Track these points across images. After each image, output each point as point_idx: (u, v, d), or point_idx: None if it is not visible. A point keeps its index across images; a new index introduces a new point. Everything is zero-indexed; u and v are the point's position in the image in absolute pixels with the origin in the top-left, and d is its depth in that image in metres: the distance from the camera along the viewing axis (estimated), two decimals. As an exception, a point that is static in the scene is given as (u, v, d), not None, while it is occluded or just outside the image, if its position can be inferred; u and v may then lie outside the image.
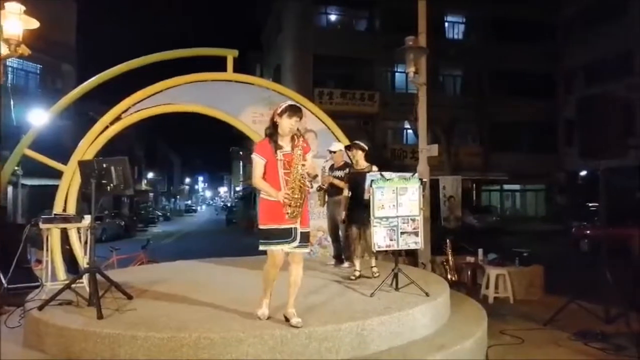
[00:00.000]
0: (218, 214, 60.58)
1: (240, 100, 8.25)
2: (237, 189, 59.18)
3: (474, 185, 26.71)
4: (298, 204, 3.51)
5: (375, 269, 5.59)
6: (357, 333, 3.70)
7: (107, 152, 4.95)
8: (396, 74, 25.22)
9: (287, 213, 3.51)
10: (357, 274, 5.50)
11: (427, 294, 4.53)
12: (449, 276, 7.59)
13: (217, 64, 8.30)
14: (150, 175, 47.39)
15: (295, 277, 3.76)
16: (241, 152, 47.82)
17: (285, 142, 3.64)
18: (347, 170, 6.00)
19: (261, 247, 3.64)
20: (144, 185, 44.36)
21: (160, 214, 44.70)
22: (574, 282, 6.18)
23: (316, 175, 3.87)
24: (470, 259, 7.91)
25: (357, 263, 5.63)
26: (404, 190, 5.06)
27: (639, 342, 4.55)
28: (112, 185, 4.42)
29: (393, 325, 3.90)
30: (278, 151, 3.60)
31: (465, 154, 25.67)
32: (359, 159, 5.76)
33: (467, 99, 26.01)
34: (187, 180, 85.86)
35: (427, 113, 8.61)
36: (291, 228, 3.58)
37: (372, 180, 5.05)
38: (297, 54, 24.14)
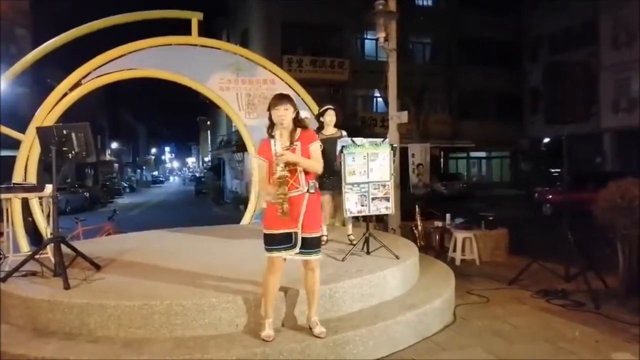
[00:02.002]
0: (186, 184, 59.75)
1: (206, 66, 8.02)
2: (206, 159, 58.35)
3: (442, 152, 27.15)
4: (279, 199, 3.16)
5: (352, 237, 5.57)
6: (329, 295, 3.75)
7: (67, 121, 4.70)
8: (366, 41, 24.98)
9: (279, 213, 3.18)
10: (325, 239, 5.50)
11: (397, 257, 4.62)
12: (418, 241, 7.75)
13: (183, 29, 8.00)
14: (114, 145, 45.98)
15: (310, 285, 3.41)
16: (209, 122, 47.01)
17: (284, 137, 3.31)
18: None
19: (266, 254, 3.33)
20: (108, 156, 43.09)
21: (126, 185, 43.62)
22: (537, 244, 6.43)
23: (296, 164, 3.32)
24: (438, 223, 8.10)
25: (324, 229, 5.62)
26: (374, 156, 5.07)
27: (596, 298, 4.81)
28: (73, 152, 4.25)
29: (364, 287, 3.97)
30: (273, 148, 3.27)
31: (434, 122, 25.94)
32: (330, 124, 5.62)
33: (436, 68, 26.10)
34: (154, 150, 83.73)
35: (397, 81, 8.58)
36: (291, 233, 3.24)
37: (343, 147, 5.02)
38: (264, 20, 23.51)
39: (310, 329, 3.41)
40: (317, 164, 3.33)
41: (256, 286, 3.73)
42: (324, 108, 5.69)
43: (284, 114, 3.25)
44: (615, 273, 5.24)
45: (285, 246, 3.25)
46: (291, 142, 3.29)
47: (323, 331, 3.36)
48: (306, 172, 3.30)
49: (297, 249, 3.26)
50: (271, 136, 3.30)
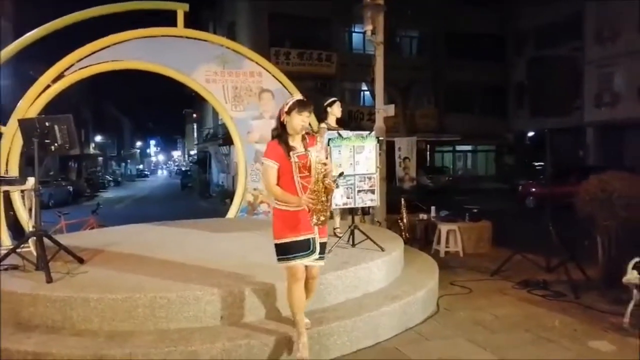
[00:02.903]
0: (172, 178, 59.28)
1: (193, 58, 7.95)
2: (192, 152, 57.90)
3: (428, 146, 27.33)
4: (325, 207, 3.05)
5: (338, 230, 5.57)
6: (314, 287, 3.76)
7: (50, 114, 4.62)
8: (354, 34, 24.94)
9: (317, 220, 3.05)
10: None
11: (382, 249, 4.66)
12: (403, 233, 7.81)
13: (168, 21, 7.91)
14: (98, 138, 45.39)
15: (310, 288, 3.36)
16: (195, 115, 46.61)
17: (297, 143, 3.16)
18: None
19: (280, 264, 3.19)
20: (92, 149, 42.53)
21: (110, 178, 43.13)
22: (520, 236, 6.52)
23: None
24: (423, 216, 8.18)
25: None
26: (360, 148, 5.10)
27: (576, 289, 4.92)
28: (56, 144, 4.19)
29: (349, 279, 4.01)
30: (291, 153, 3.11)
31: (421, 116, 26.09)
32: (336, 115, 5.57)
33: (423, 61, 26.20)
34: (139, 144, 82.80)
35: (384, 74, 8.60)
36: (309, 239, 3.12)
37: (329, 139, 5.04)
38: (251, 12, 23.33)
39: None
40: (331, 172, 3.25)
41: (240, 279, 3.74)
42: (333, 99, 5.65)
43: (308, 121, 3.14)
44: (595, 264, 5.35)
45: (305, 253, 3.11)
46: (305, 148, 3.16)
47: (307, 322, 3.35)
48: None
49: (316, 254, 3.15)
50: (282, 140, 3.14)
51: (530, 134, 25.55)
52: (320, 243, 3.18)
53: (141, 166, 78.89)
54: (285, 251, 3.13)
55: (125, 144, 67.67)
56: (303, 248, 3.11)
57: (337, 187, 3.24)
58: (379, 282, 4.30)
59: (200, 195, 27.96)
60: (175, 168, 75.61)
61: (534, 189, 15.24)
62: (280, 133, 3.18)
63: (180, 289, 3.53)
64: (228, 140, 19.21)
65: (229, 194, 18.05)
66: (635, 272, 4.11)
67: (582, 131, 22.44)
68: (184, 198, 27.63)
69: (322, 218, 3.05)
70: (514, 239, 6.64)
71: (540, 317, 4.32)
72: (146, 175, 69.82)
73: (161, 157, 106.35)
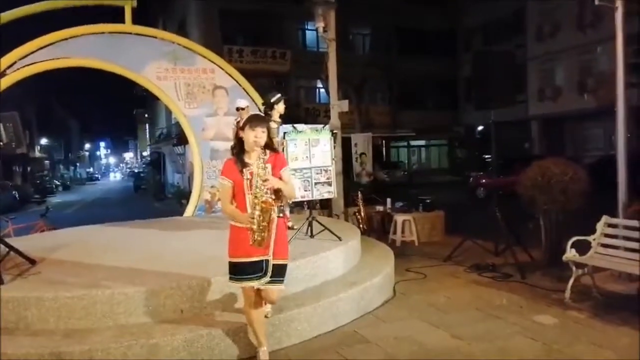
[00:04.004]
0: (125, 180, 57.44)
1: (142, 55, 7.82)
2: (145, 153, 56.33)
3: (384, 142, 27.86)
4: (261, 227, 2.92)
5: (290, 223, 5.62)
6: (274, 278, 3.83)
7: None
8: (307, 31, 25.02)
9: (253, 240, 2.94)
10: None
11: (339, 239, 4.78)
12: (360, 225, 7.99)
13: (117, 20, 7.73)
14: (44, 141, 43.32)
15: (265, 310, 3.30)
16: (146, 115, 45.35)
17: (253, 159, 3.05)
18: None
19: (230, 283, 3.12)
20: (37, 152, 40.56)
21: (58, 183, 41.31)
22: (470, 224, 6.84)
23: (279, 191, 3.08)
24: (379, 208, 8.40)
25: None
26: (316, 142, 5.20)
27: (522, 269, 5.23)
28: (1, 143, 4.05)
29: (308, 268, 4.11)
30: (245, 170, 3.01)
31: (375, 113, 26.55)
32: (280, 112, 5.60)
33: (375, 58, 26.62)
34: (88, 146, 79.66)
35: (337, 71, 8.73)
36: (262, 261, 2.99)
37: (284, 133, 5.11)
38: (202, 8, 22.95)
39: None
40: (294, 191, 3.20)
41: (199, 273, 3.75)
42: (279, 96, 5.64)
43: (262, 137, 3.02)
44: (539, 246, 5.70)
45: (255, 275, 2.98)
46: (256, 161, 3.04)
47: (269, 311, 3.40)
48: (277, 197, 3.08)
49: (267, 278, 3.00)
50: (238, 157, 3.07)
51: (480, 127, 26.57)
52: (275, 265, 3.01)
53: (91, 169, 75.98)
54: (235, 271, 3.03)
55: (73, 146, 64.88)
56: (254, 270, 2.98)
57: (284, 209, 3.11)
58: (337, 270, 4.42)
59: (155, 197, 27.25)
60: (128, 170, 73.29)
61: (483, 180, 15.87)
62: (238, 150, 3.10)
63: (139, 284, 3.52)
64: (182, 140, 18.87)
65: (185, 195, 17.72)
66: (573, 251, 4.43)
67: (527, 124, 23.53)
68: (138, 200, 26.87)
69: (255, 236, 2.92)
70: (465, 227, 6.95)
71: (489, 297, 4.58)
72: (97, 179, 67.29)
73: (112, 160, 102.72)
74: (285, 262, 3.10)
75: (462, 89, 28.19)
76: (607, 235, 4.55)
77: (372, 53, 27.39)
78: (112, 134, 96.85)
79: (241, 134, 3.07)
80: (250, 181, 3.00)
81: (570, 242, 4.46)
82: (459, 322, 3.92)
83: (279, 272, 3.05)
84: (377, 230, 8.14)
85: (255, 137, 3.00)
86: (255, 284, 3.01)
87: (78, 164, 66.98)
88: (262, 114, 3.22)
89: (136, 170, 51.13)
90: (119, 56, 7.55)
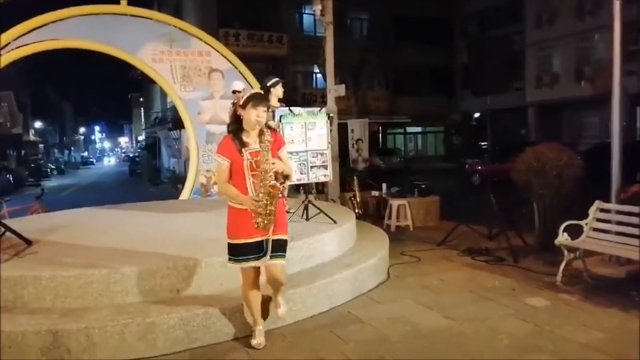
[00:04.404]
0: (120, 165, 57.20)
1: (138, 37, 7.76)
2: (140, 138, 56.08)
3: (380, 128, 27.85)
4: (268, 211, 2.88)
5: (287, 206, 5.64)
6: (270, 259, 3.87)
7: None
8: (304, 15, 24.82)
9: (257, 223, 2.90)
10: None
11: (334, 222, 4.81)
12: (356, 210, 8.03)
13: (112, 1, 7.65)
14: (38, 124, 42.99)
15: (276, 291, 3.20)
16: (142, 99, 44.99)
17: (252, 139, 2.99)
18: None
19: (229, 265, 3.09)
20: (32, 136, 40.30)
21: (53, 166, 41.11)
22: (465, 209, 6.90)
23: (287, 176, 3.09)
24: (375, 193, 8.44)
25: None
26: (312, 125, 5.21)
27: (515, 253, 5.29)
28: (-4, 122, 4.02)
29: (304, 250, 4.14)
30: (244, 149, 2.95)
31: (372, 99, 26.50)
32: (278, 96, 5.57)
33: (373, 43, 26.48)
34: (82, 130, 79.15)
35: (335, 56, 8.70)
36: (262, 241, 2.97)
37: (281, 116, 5.10)
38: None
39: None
40: (292, 171, 3.12)
41: (196, 253, 3.78)
42: (277, 80, 5.60)
43: (264, 116, 2.96)
44: (532, 231, 5.76)
45: (256, 256, 2.98)
46: (261, 144, 2.97)
47: (261, 342, 3.20)
48: (284, 179, 3.06)
49: (268, 257, 3.00)
50: (236, 135, 3.00)
51: (476, 114, 26.57)
52: (276, 240, 3.01)
53: (86, 153, 75.58)
54: (235, 252, 3.01)
55: (67, 130, 64.49)
56: (255, 250, 2.97)
57: (283, 190, 3.04)
58: (333, 252, 4.46)
59: (150, 182, 27.18)
60: (123, 155, 72.97)
61: (479, 167, 15.93)
62: (235, 128, 3.03)
63: (135, 264, 3.54)
64: (178, 124, 18.77)
65: (181, 179, 17.70)
66: (565, 235, 4.49)
67: (524, 111, 23.54)
68: (133, 185, 26.80)
69: (261, 220, 2.89)
70: (460, 213, 6.99)
71: (482, 280, 4.64)
72: (91, 163, 66.96)
73: (107, 144, 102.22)
74: (285, 238, 3.08)
75: (458, 75, 28.09)
76: (599, 220, 4.60)
77: (370, 38, 27.24)
78: (107, 118, 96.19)
79: (241, 112, 2.99)
80: (251, 162, 2.94)
81: (562, 227, 4.51)
82: (451, 304, 3.97)
83: (280, 248, 3.04)
84: (372, 215, 8.19)
85: (257, 116, 2.94)
86: (256, 263, 3.01)
87: (72, 148, 66.63)
88: (264, 94, 3.16)
89: (131, 155, 50.94)
90: (114, 38, 7.48)
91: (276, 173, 2.95)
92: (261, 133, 2.99)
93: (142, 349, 3.11)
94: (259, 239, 2.97)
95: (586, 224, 4.59)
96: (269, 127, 3.04)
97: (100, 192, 22.05)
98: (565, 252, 4.47)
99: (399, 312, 3.82)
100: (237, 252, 3.01)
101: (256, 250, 2.98)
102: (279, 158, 3.04)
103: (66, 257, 3.85)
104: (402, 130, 30.15)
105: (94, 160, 72.54)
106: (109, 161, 75.61)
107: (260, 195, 2.88)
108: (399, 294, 4.26)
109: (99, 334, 3.04)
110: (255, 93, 3.10)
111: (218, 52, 8.32)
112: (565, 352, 3.06)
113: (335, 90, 8.77)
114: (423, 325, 3.56)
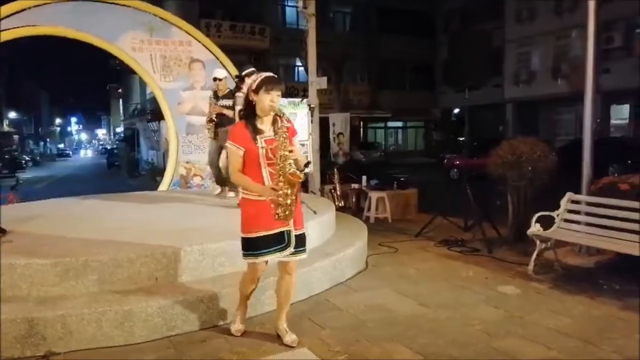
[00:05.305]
0: (97, 157, 56.23)
1: (117, 25, 7.65)
2: (118, 129, 55.17)
3: (361, 122, 27.96)
4: (289, 200, 2.74)
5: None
6: (249, 248, 3.89)
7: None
8: (287, 8, 24.71)
9: (278, 214, 2.76)
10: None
11: (314, 212, 4.84)
12: (336, 202, 8.10)
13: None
14: (12, 114, 41.96)
15: (287, 288, 3.08)
16: (120, 89, 44.23)
17: (266, 125, 2.85)
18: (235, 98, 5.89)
19: (247, 260, 2.94)
20: (6, 127, 39.33)
21: (28, 158, 40.20)
22: (443, 203, 7.03)
23: (308, 163, 2.98)
24: (355, 185, 8.52)
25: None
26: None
27: (489, 244, 5.43)
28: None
29: (283, 239, 4.16)
30: (258, 137, 2.80)
31: (354, 93, 26.59)
32: None
33: (356, 37, 26.53)
34: (58, 121, 77.51)
35: (317, 49, 8.70)
36: (284, 232, 2.84)
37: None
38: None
39: (278, 336, 3.13)
40: (303, 160, 2.95)
41: (174, 242, 3.78)
42: (252, 69, 5.55)
43: (278, 101, 2.83)
44: (506, 222, 5.91)
45: (278, 247, 2.85)
46: (275, 132, 2.82)
47: (294, 339, 3.08)
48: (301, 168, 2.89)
49: (291, 248, 2.87)
50: (250, 122, 2.84)
51: (456, 110, 26.89)
52: (300, 235, 2.92)
53: (62, 145, 74.10)
54: (254, 247, 2.85)
55: (43, 121, 63.05)
56: (276, 242, 2.84)
57: (304, 178, 2.88)
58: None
59: (129, 174, 26.82)
60: (100, 147, 71.70)
61: (457, 162, 16.15)
62: (248, 114, 2.87)
63: (113, 252, 3.53)
64: (157, 116, 18.55)
65: (160, 172, 17.51)
66: (538, 225, 4.62)
67: (502, 107, 23.92)
68: (111, 177, 26.41)
69: (282, 211, 2.75)
70: (437, 206, 7.10)
71: (457, 269, 4.75)
72: (68, 155, 65.66)
73: (84, 136, 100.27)
74: (304, 232, 2.98)
75: (440, 71, 28.34)
76: (570, 211, 4.76)
77: (353, 32, 27.29)
78: (84, 109, 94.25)
79: (253, 96, 2.84)
80: (266, 150, 2.79)
81: (535, 217, 4.65)
82: (427, 292, 4.07)
83: (301, 242, 2.94)
84: (352, 207, 8.27)
85: (271, 101, 2.79)
86: (277, 256, 2.88)
87: (48, 140, 65.24)
88: (277, 78, 2.93)
89: (109, 147, 50.10)
90: (93, 26, 7.37)
91: (296, 161, 2.79)
92: (275, 120, 2.85)
93: (119, 337, 3.11)
94: (280, 230, 2.83)
95: (558, 215, 4.74)
96: (282, 115, 2.87)
97: (77, 184, 21.64)
98: (537, 243, 4.61)
99: (375, 299, 3.90)
100: (256, 245, 2.84)
101: (277, 242, 2.84)
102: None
103: (42, 245, 3.81)
104: (383, 125, 30.35)
105: (71, 152, 71.14)
106: (86, 153, 74.25)
107: (280, 184, 2.74)
108: (377, 282, 4.34)
109: (76, 322, 3.03)
110: (269, 76, 2.88)
111: (199, 42, 8.26)
112: (534, 336, 3.18)
113: (317, 83, 8.76)
114: (399, 312, 3.64)
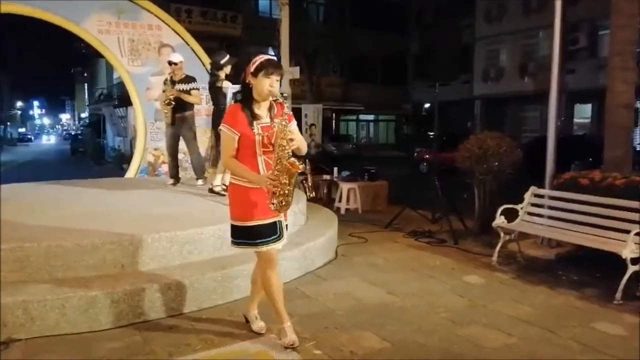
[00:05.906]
0: (61, 143, 54.39)
1: (83, 6, 7.40)
2: (83, 115, 53.53)
3: (334, 114, 28.04)
4: (287, 191, 2.61)
5: (217, 188, 5.30)
6: (218, 236, 3.87)
7: None
8: (259, -4, 24.44)
9: (273, 204, 2.63)
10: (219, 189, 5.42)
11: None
12: (307, 192, 8.09)
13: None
14: (-30, 96, 40.04)
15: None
16: (85, 74, 42.83)
17: (263, 111, 2.72)
18: (193, 84, 5.69)
19: (241, 248, 2.86)
20: (-38, 109, 37.48)
21: (-14, 142, 38.57)
22: (412, 195, 7.17)
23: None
24: (326, 177, 8.55)
25: (221, 177, 5.51)
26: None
27: (456, 236, 5.56)
28: None
29: (253, 228, 4.15)
30: (255, 122, 2.67)
31: (326, 84, 26.60)
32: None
33: (329, 29, 26.49)
34: (20, 104, 74.49)
35: (290, 39, 8.65)
36: (276, 222, 2.73)
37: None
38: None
39: (248, 322, 3.12)
40: (305, 147, 2.87)
41: (142, 229, 3.71)
42: (229, 58, 5.32)
43: (277, 86, 2.70)
44: (473, 215, 6.06)
45: (273, 237, 2.74)
46: (271, 118, 2.71)
47: (263, 326, 3.07)
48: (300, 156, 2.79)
49: (285, 240, 2.81)
50: (247, 106, 2.70)
51: (427, 105, 27.26)
52: (286, 225, 2.85)
53: (23, 129, 71.33)
54: (253, 235, 2.72)
55: (3, 104, 60.42)
56: (270, 232, 2.73)
57: (304, 168, 2.75)
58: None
59: (94, 161, 26.06)
60: (64, 132, 69.38)
61: (426, 156, 16.41)
62: (245, 98, 2.73)
63: (78, 237, 3.44)
64: (124, 101, 18.08)
65: (127, 159, 17.11)
66: (502, 218, 4.76)
67: (471, 103, 24.40)
68: (76, 164, 25.57)
69: (278, 202, 2.64)
70: (406, 198, 7.23)
71: (424, 260, 4.85)
72: (29, 140, 63.25)
73: (47, 121, 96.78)
74: (287, 222, 2.87)
75: (412, 66, 28.65)
76: (533, 205, 4.92)
77: (326, 24, 27.23)
78: (47, 92, 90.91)
79: (251, 80, 2.69)
80: (263, 137, 2.67)
81: (499, 210, 4.78)
82: (395, 281, 4.14)
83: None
84: (323, 198, 8.29)
85: (270, 85, 2.65)
86: (272, 247, 2.76)
87: (9, 124, 62.57)
88: (278, 61, 2.83)
89: (73, 133, 48.49)
90: (58, 5, 7.09)
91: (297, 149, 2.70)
92: (271, 106, 2.75)
93: (84, 324, 3.05)
94: (273, 220, 2.72)
95: (521, 208, 4.89)
96: (278, 99, 2.74)
97: (39, 171, 20.90)
98: (502, 234, 4.76)
99: (344, 288, 3.95)
100: (255, 234, 2.72)
101: (272, 231, 2.73)
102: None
103: (3, 230, 3.67)
104: (355, 118, 30.55)
105: (32, 137, 68.54)
106: (49, 139, 71.65)
107: (277, 174, 2.60)
108: (346, 272, 4.39)
109: (38, 308, 2.95)
110: (268, 59, 2.74)
111: (169, 26, 8.06)
112: (496, 323, 3.29)
113: (289, 73, 8.74)
114: (367, 300, 3.70)
